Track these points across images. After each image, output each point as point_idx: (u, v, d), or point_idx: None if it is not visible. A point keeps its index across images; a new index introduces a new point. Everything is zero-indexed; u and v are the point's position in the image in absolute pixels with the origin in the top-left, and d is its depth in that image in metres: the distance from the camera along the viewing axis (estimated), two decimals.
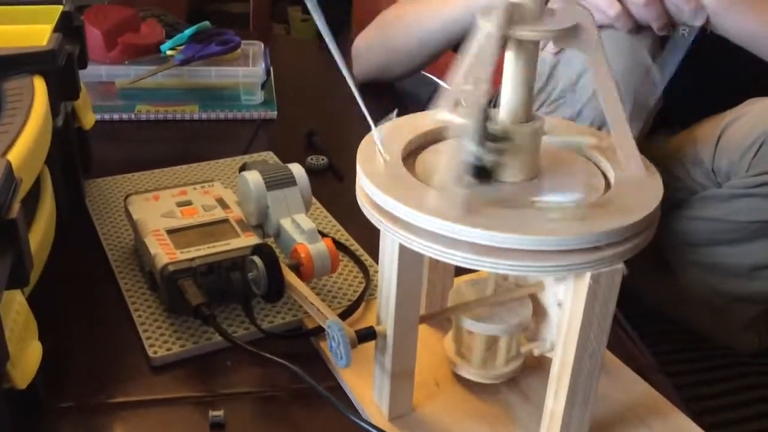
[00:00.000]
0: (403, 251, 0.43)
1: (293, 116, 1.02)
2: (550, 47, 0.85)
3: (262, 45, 1.09)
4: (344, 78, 0.44)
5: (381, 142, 0.45)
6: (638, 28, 0.81)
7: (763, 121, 0.86)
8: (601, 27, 0.80)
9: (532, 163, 0.45)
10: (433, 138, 0.50)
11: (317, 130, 0.95)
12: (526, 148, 0.44)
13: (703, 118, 0.97)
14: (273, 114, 1.01)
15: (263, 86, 1.03)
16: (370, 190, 0.43)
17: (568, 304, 0.42)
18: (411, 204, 0.40)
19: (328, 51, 0.42)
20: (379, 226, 0.43)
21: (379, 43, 1.11)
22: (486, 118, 0.41)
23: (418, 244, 0.41)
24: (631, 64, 0.81)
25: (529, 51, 0.42)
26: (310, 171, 0.84)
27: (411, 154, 0.47)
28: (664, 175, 1.01)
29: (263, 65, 1.02)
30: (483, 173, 0.43)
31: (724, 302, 0.98)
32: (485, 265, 0.40)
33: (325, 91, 1.17)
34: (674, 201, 0.98)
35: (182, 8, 2.20)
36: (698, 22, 0.77)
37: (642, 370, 0.56)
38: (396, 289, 0.45)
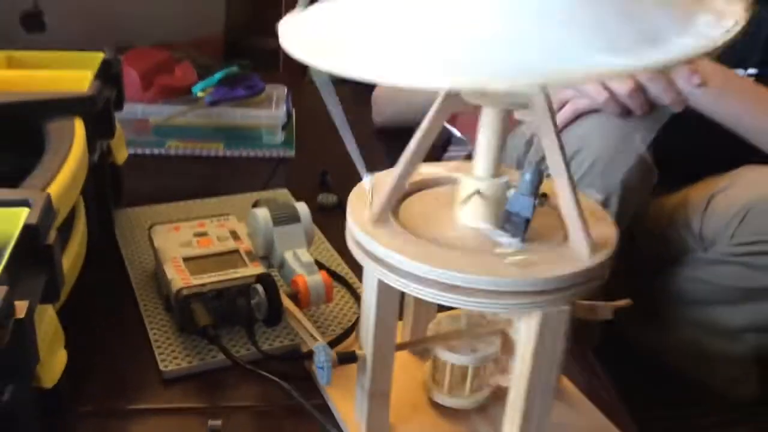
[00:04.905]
0: (381, 285, 0.50)
1: (310, 156, 1.10)
2: (526, 126, 0.90)
3: (285, 89, 1.17)
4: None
5: (370, 191, 0.52)
6: (627, 112, 0.85)
7: (749, 193, 0.90)
8: (593, 111, 0.86)
9: (498, 213, 0.51)
10: (417, 187, 0.56)
11: (331, 169, 1.02)
12: (494, 199, 0.51)
13: (697, 175, 1.01)
14: (291, 153, 1.09)
15: (284, 127, 1.11)
16: (356, 233, 0.49)
17: (522, 340, 0.48)
18: (389, 245, 0.47)
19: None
20: (362, 263, 0.50)
21: (398, 95, 1.14)
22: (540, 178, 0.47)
23: (393, 280, 0.47)
24: (620, 150, 0.85)
25: (496, 118, 0.49)
26: (321, 208, 0.92)
27: (398, 201, 0.54)
28: (659, 234, 1.04)
29: (284, 108, 1.10)
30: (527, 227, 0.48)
31: (714, 358, 1.02)
32: (447, 300, 0.46)
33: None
34: (667, 259, 1.02)
35: (219, 44, 2.31)
36: (678, 109, 0.82)
37: (606, 408, 0.61)
38: (375, 318, 0.51)
